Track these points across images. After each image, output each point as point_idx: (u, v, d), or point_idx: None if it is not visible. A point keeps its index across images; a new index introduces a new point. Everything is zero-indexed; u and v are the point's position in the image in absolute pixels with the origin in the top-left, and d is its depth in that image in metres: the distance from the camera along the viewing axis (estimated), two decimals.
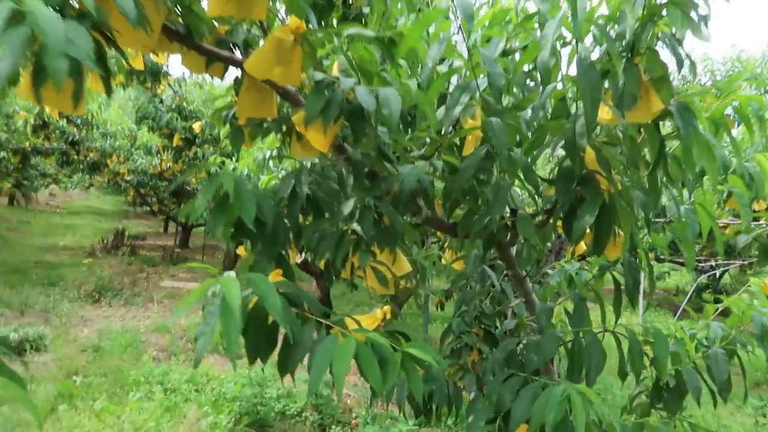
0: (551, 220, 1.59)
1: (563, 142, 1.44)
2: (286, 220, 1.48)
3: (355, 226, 1.43)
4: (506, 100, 1.67)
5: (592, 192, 1.42)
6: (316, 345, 1.25)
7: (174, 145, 8.43)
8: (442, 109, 1.57)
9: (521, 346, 1.92)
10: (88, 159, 9.97)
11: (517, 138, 1.63)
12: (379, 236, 1.46)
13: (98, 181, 12.42)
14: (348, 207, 1.47)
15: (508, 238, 1.76)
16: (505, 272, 2.31)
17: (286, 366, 1.31)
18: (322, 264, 1.80)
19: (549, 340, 1.72)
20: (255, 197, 1.28)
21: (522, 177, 1.58)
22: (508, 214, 1.70)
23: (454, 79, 1.60)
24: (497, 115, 1.49)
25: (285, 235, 1.45)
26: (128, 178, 10.01)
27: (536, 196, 1.57)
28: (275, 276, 1.42)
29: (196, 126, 7.04)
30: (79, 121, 8.49)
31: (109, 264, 10.24)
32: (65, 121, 8.76)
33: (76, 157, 9.92)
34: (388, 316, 1.41)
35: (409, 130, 1.83)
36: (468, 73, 1.57)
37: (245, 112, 1.70)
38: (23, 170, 11.61)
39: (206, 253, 13.28)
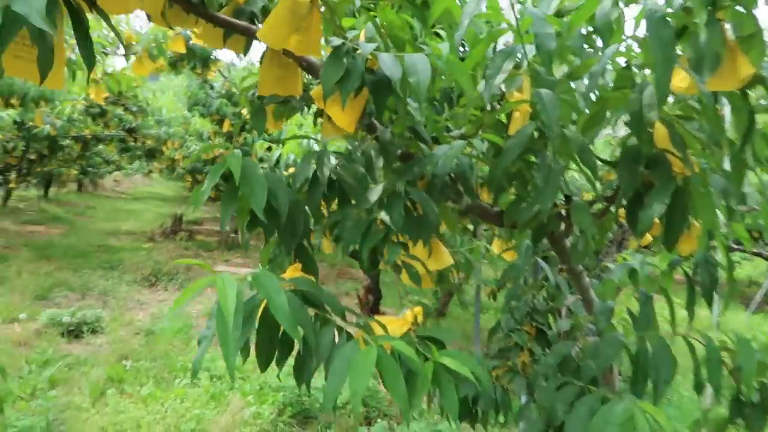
0: (612, 209, 1.37)
1: (628, 116, 1.22)
2: (307, 208, 1.33)
3: (383, 215, 1.26)
4: (560, 71, 1.45)
5: (663, 176, 1.19)
6: (334, 352, 1.10)
7: (224, 131, 8.46)
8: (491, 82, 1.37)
9: (577, 349, 1.71)
10: (145, 146, 10.17)
11: (573, 115, 1.41)
12: (411, 227, 1.28)
13: (156, 167, 12.72)
14: (375, 193, 1.29)
15: (562, 228, 1.55)
16: (560, 266, 2.09)
17: (302, 373, 1.16)
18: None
19: (609, 345, 1.50)
20: (266, 182, 1.13)
21: (577, 159, 1.37)
22: (561, 202, 1.49)
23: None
24: (548, 86, 1.28)
25: (305, 224, 1.29)
26: (183, 165, 10.17)
27: (594, 181, 1.35)
28: (294, 271, 1.27)
29: (246, 111, 7.02)
30: (134, 108, 8.64)
31: (166, 249, 10.47)
32: (122, 108, 8.94)
33: (133, 144, 10.15)
34: (420, 319, 1.23)
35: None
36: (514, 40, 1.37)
37: (267, 88, 1.55)
38: (87, 157, 11.99)
39: (262, 238, 13.41)
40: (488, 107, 1.29)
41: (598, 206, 1.42)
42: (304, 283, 1.14)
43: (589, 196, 1.70)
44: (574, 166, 1.46)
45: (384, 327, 1.14)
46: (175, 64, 7.48)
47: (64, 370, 4.44)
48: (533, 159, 1.47)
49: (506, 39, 1.45)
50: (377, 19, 1.34)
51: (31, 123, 7.49)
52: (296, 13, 1.24)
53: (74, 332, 5.41)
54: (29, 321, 5.66)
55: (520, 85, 1.38)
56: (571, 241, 1.58)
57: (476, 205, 1.60)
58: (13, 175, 12.07)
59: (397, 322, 1.20)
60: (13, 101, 5.32)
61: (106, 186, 24.35)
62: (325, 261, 9.90)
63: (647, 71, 1.30)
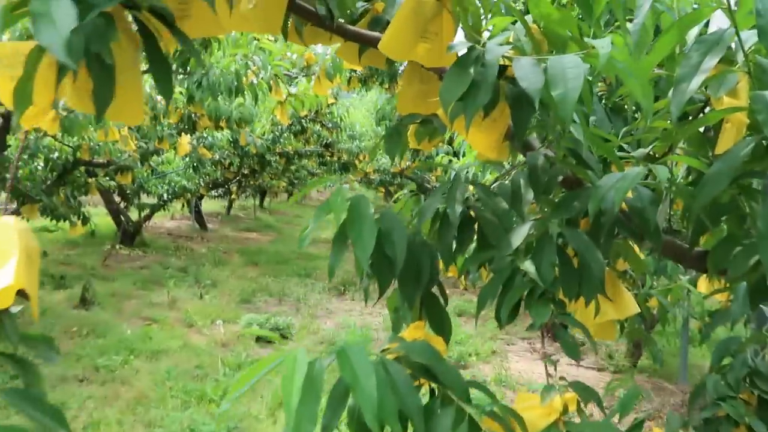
0: None
1: None
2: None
3: (528, 264, 0.97)
4: None
5: None
6: None
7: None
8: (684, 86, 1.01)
9: None
10: (340, 160, 10.74)
11: None
12: (567, 281, 0.98)
13: (350, 179, 13.44)
14: (521, 235, 1.01)
15: None
16: None
17: None
18: None
19: None
20: (375, 226, 0.92)
21: None
22: None
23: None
24: None
25: (431, 271, 1.06)
26: (373, 177, 10.53)
27: None
28: (416, 330, 1.04)
29: None
30: (329, 125, 9.14)
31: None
32: (320, 125, 9.53)
33: (329, 158, 10.77)
34: (572, 408, 0.93)
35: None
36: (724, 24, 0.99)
37: (407, 106, 1.36)
38: (292, 171, 13.04)
39: None
40: (678, 120, 0.94)
41: None
42: (420, 351, 0.91)
43: None
44: None
45: (519, 419, 0.86)
46: (365, 81, 7.72)
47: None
48: (753, 185, 1.08)
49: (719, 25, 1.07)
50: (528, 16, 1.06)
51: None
52: (421, 16, 1.02)
53: (267, 337, 5.78)
54: (231, 323, 6.20)
55: (734, 86, 1.00)
56: None
57: (667, 243, 1.23)
58: (234, 187, 13.62)
59: (540, 410, 0.91)
60: (222, 123, 5.88)
61: (312, 196, 26.45)
62: None
63: None
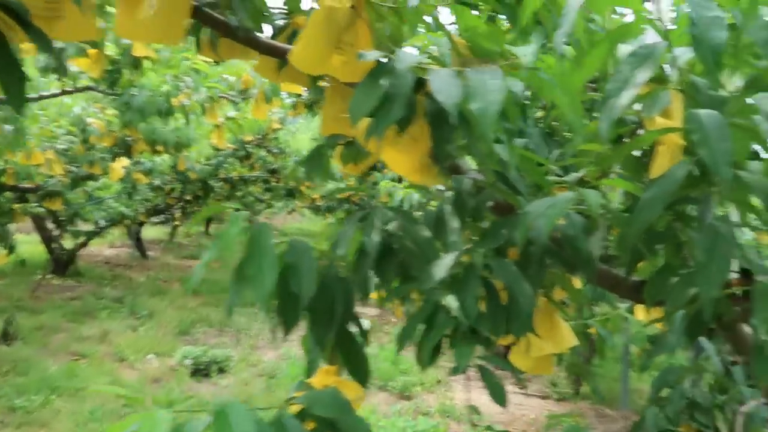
0: None
1: None
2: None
3: (451, 299, 0.87)
4: (732, 81, 0.99)
5: None
6: None
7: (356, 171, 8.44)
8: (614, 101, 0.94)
9: None
10: (286, 186, 10.54)
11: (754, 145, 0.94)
12: (494, 317, 0.88)
13: (298, 205, 13.22)
14: (444, 267, 0.91)
15: (735, 314, 1.05)
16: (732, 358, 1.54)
17: None
18: None
19: None
20: (276, 260, 0.80)
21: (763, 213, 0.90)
22: (734, 277, 1.00)
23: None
24: (712, 105, 0.84)
25: (346, 307, 0.94)
26: (320, 203, 10.38)
27: None
28: (325, 376, 0.92)
29: None
30: (275, 150, 8.98)
31: None
32: (265, 150, 9.34)
33: (275, 184, 10.56)
34: None
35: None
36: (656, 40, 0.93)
37: (329, 127, 1.26)
38: (237, 197, 12.74)
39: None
40: (612, 143, 0.87)
41: None
42: (326, 402, 0.79)
43: None
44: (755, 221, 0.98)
45: None
46: (311, 106, 7.60)
47: (183, 414, 4.44)
48: (690, 210, 1.02)
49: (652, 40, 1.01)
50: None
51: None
52: (334, 25, 0.92)
53: (203, 371, 5.49)
54: (166, 357, 5.87)
55: (667, 106, 0.94)
56: (754, 335, 1.07)
57: (604, 273, 1.16)
58: (178, 214, 13.18)
59: None
60: (159, 148, 5.64)
61: (261, 219, 26.01)
62: None
63: None
